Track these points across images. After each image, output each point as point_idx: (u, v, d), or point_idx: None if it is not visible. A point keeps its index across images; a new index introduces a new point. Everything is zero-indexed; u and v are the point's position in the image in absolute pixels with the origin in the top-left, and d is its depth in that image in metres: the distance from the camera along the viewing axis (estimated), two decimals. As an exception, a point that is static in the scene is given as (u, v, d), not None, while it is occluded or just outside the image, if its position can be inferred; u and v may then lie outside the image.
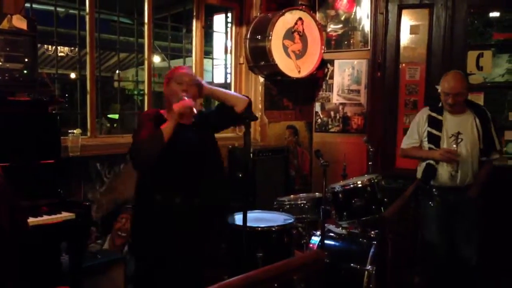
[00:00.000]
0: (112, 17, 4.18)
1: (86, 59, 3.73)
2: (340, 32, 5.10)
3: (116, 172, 3.70)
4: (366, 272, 3.21)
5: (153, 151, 2.46)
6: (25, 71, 2.79)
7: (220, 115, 2.87)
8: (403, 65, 4.80)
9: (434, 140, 3.57)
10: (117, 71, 5.35)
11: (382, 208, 3.51)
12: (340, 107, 5.16)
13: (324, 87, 5.22)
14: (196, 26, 4.48)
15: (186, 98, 2.58)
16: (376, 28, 4.83)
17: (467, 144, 3.50)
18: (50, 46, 6.66)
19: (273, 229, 3.08)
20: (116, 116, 8.31)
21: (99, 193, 3.60)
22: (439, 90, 3.61)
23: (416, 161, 3.79)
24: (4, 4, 3.02)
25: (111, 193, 3.66)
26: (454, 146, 3.50)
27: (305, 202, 3.66)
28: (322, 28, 4.90)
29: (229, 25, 4.90)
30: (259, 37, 4.49)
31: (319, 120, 5.29)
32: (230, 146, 4.49)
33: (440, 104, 3.65)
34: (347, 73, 5.10)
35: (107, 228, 3.63)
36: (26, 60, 2.80)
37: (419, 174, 3.72)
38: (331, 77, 5.17)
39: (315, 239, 3.50)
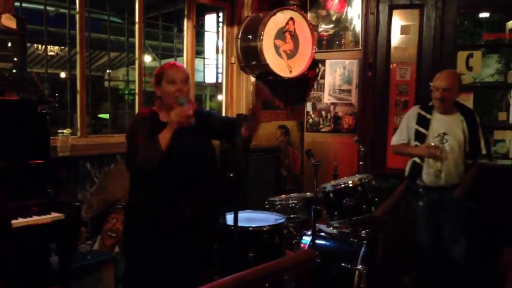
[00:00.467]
0: (102, 16, 4.16)
1: (76, 59, 3.70)
2: (331, 32, 5.11)
3: (106, 172, 3.68)
4: (357, 272, 3.23)
5: (152, 161, 2.39)
6: (14, 71, 2.77)
7: (226, 130, 2.79)
8: (394, 65, 4.82)
9: (421, 138, 3.61)
10: (108, 71, 5.34)
11: (372, 207, 3.53)
12: (331, 107, 5.17)
13: (315, 87, 5.24)
14: (187, 26, 4.47)
15: (182, 101, 2.48)
16: (367, 28, 4.85)
17: (452, 145, 3.53)
18: (40, 45, 6.62)
19: (264, 229, 3.09)
20: (107, 116, 8.30)
21: (89, 193, 3.58)
22: (431, 87, 3.65)
23: (406, 161, 3.82)
24: (-7, 3, 3.00)
25: (101, 193, 3.64)
26: (440, 146, 3.54)
27: (296, 202, 3.67)
28: (313, 28, 4.90)
29: (221, 24, 4.89)
30: (250, 37, 4.49)
31: (310, 120, 5.29)
32: (221, 146, 4.48)
33: (430, 103, 3.68)
34: (338, 73, 5.11)
35: (97, 229, 3.61)
36: (16, 59, 2.77)
37: (407, 170, 3.76)
38: (323, 77, 5.19)
39: (306, 239, 3.51)
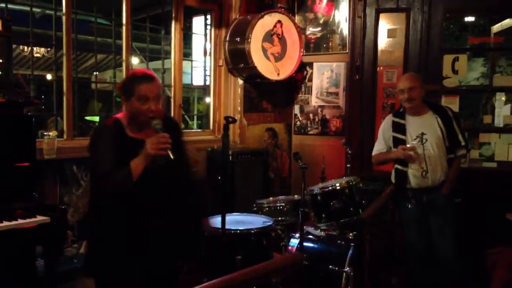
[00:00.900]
0: (89, 18, 4.13)
1: (62, 60, 3.68)
2: (318, 35, 5.13)
3: (93, 175, 3.65)
4: (344, 274, 3.23)
5: (122, 190, 2.23)
6: (-1, 72, 2.74)
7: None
8: (381, 68, 4.85)
9: (400, 143, 3.67)
10: (95, 73, 5.30)
11: (360, 210, 3.54)
12: (319, 110, 5.19)
13: (303, 89, 5.25)
14: (175, 28, 4.46)
15: (158, 127, 2.27)
16: (354, 31, 4.88)
17: (432, 143, 3.59)
18: (25, 47, 6.56)
19: (252, 231, 3.08)
20: (95, 118, 8.24)
21: (75, 196, 3.55)
22: (397, 93, 3.79)
23: (392, 164, 3.85)
24: (-23, 4, 2.97)
25: (87, 196, 3.60)
26: (420, 146, 3.60)
27: (284, 204, 3.67)
28: (301, 31, 4.92)
29: (208, 27, 4.89)
30: (238, 39, 4.49)
31: (298, 123, 5.31)
32: (209, 149, 4.48)
33: (401, 109, 3.77)
34: (325, 76, 5.13)
35: (83, 232, 3.58)
36: (1, 61, 2.75)
37: (393, 178, 3.81)
38: (310, 80, 5.20)
39: (294, 242, 3.51)
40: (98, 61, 7.31)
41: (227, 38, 4.63)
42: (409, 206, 3.70)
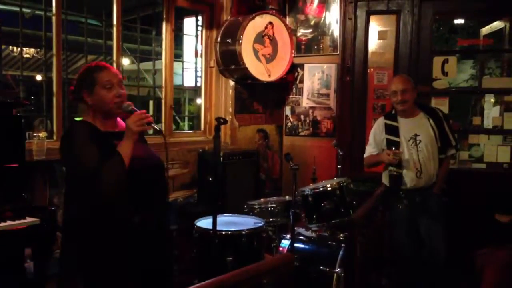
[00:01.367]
0: (79, 18, 4.10)
1: (52, 61, 3.65)
2: (309, 36, 5.15)
3: (83, 176, 3.62)
4: (335, 275, 3.24)
5: (118, 182, 2.10)
6: (-12, 73, 2.72)
7: None
8: (371, 69, 4.88)
9: (394, 145, 3.69)
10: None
11: (351, 211, 3.55)
12: (310, 111, 5.20)
13: (294, 91, 5.26)
14: (166, 29, 4.45)
15: (129, 108, 2.21)
16: (345, 33, 4.90)
17: (426, 144, 3.63)
18: (15, 47, 6.52)
19: (243, 232, 3.08)
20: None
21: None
22: (389, 95, 3.81)
23: (383, 165, 3.86)
24: (-34, 4, 2.94)
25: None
26: (414, 148, 3.62)
27: (275, 205, 3.67)
28: (292, 32, 4.93)
29: (200, 28, 4.89)
30: (229, 40, 4.49)
31: (289, 124, 5.32)
32: (200, 150, 4.47)
33: (393, 111, 3.79)
34: (316, 77, 5.15)
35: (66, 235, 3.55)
36: (-10, 61, 2.73)
37: (384, 180, 3.83)
38: (301, 81, 5.22)
39: (285, 243, 3.51)
40: (89, 62, 7.26)
41: (218, 39, 4.63)
42: (400, 207, 3.72)
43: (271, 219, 3.59)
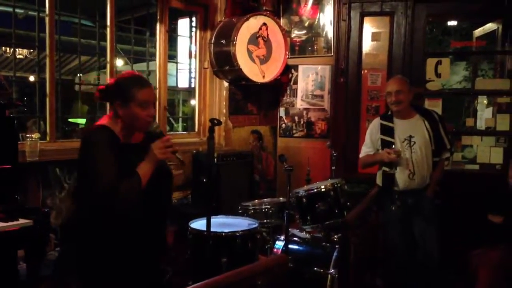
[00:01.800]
0: (73, 19, 4.09)
1: (45, 62, 3.63)
2: (304, 38, 5.16)
3: (77, 178, 3.61)
4: (329, 276, 3.24)
5: (132, 201, 2.14)
6: (-20, 73, 2.70)
7: None
8: (365, 71, 4.89)
9: (388, 146, 3.70)
10: (79, 74, 5.25)
11: (345, 212, 3.56)
12: (304, 112, 5.21)
13: (288, 92, 5.27)
14: (160, 30, 4.44)
15: (159, 131, 2.24)
16: (339, 34, 4.91)
17: (420, 146, 3.65)
18: (8, 48, 6.49)
19: (237, 234, 3.07)
20: (78, 120, 8.16)
21: (58, 199, 3.51)
22: (384, 96, 3.82)
23: (377, 166, 3.88)
24: (-42, 4, 2.92)
25: (71, 199, 3.57)
26: (408, 149, 3.64)
27: (269, 207, 3.67)
28: (286, 33, 4.94)
29: (194, 29, 4.88)
30: (223, 41, 4.49)
31: (283, 125, 5.32)
32: (194, 151, 4.46)
33: (389, 112, 3.81)
34: (311, 79, 5.15)
35: (66, 236, 3.54)
36: (-18, 62, 2.71)
37: (378, 180, 3.84)
38: (295, 83, 5.22)
39: (279, 244, 3.51)
40: (82, 62, 7.24)
41: (213, 41, 4.63)
42: (393, 208, 3.73)
43: (265, 221, 3.59)
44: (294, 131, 5.26)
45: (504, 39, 4.89)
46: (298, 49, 5.18)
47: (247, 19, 4.50)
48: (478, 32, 5.35)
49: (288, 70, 5.14)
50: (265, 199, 4.00)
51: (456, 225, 4.14)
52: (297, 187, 3.70)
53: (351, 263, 3.63)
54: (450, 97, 5.82)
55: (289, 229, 3.41)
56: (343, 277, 3.38)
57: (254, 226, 3.24)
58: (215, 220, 3.20)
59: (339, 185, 3.60)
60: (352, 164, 4.79)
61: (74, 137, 6.18)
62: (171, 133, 5.10)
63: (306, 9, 5.13)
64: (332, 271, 3.25)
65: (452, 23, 7.57)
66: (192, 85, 4.96)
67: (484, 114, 5.51)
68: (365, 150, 3.90)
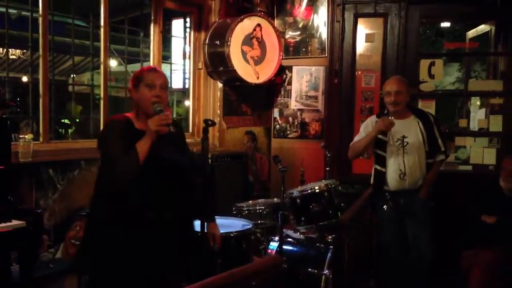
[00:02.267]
0: (66, 19, 4.07)
1: (39, 62, 3.62)
2: (298, 39, 5.16)
3: (70, 179, 3.60)
4: (323, 277, 3.25)
5: (129, 174, 2.28)
6: (-27, 74, 2.69)
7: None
8: (359, 72, 4.90)
9: (381, 144, 3.71)
10: (72, 75, 5.23)
11: (339, 213, 3.56)
12: (298, 113, 5.21)
13: (282, 93, 5.27)
14: (154, 31, 4.43)
15: (159, 108, 2.36)
16: (333, 35, 4.92)
17: (413, 147, 3.65)
18: (1, 48, 6.45)
19: (232, 235, 3.07)
20: (66, 121, 8.12)
21: (51, 200, 3.49)
22: (382, 95, 3.81)
23: (371, 165, 3.88)
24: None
25: (64, 200, 3.56)
26: (401, 149, 3.66)
27: (263, 207, 3.67)
28: (280, 34, 4.94)
29: (188, 30, 4.87)
30: (217, 42, 4.49)
31: (277, 126, 5.32)
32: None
33: (385, 111, 3.81)
34: (305, 80, 5.16)
35: (60, 237, 3.53)
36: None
37: (372, 181, 3.85)
38: (290, 83, 5.23)
39: (274, 245, 3.51)
40: (76, 63, 7.21)
41: (207, 41, 4.62)
42: (386, 208, 3.74)
43: (259, 221, 3.59)
44: (288, 132, 5.27)
45: (497, 41, 4.92)
46: (292, 50, 5.19)
47: (241, 20, 4.50)
48: (471, 33, 5.38)
49: (282, 71, 5.14)
50: (259, 200, 4.01)
51: (449, 225, 4.16)
52: (291, 188, 3.70)
53: (345, 263, 3.63)
54: (444, 98, 5.85)
55: (283, 230, 3.41)
56: (337, 277, 3.39)
57: (248, 227, 3.24)
58: (209, 221, 3.19)
59: (333, 186, 3.60)
60: (346, 165, 4.80)
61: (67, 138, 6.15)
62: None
63: (300, 10, 5.14)
64: (326, 271, 3.26)
65: (446, 24, 7.61)
66: (186, 86, 4.95)
67: (477, 115, 5.55)
68: (357, 139, 3.87)
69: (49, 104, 3.66)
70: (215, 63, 4.60)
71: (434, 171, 3.73)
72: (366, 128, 3.86)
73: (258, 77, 4.73)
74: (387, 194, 3.73)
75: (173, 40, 5.02)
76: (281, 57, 4.91)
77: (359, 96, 4.90)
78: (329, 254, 3.34)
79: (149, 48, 4.47)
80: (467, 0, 4.62)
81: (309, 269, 3.33)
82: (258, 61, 4.73)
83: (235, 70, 4.43)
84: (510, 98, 4.60)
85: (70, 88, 5.28)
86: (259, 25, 4.69)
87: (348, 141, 4.75)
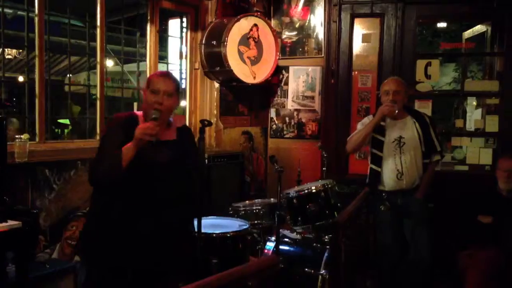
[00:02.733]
0: (62, 19, 4.06)
1: (35, 62, 3.60)
2: (294, 39, 5.17)
3: (66, 179, 3.59)
4: (320, 277, 3.25)
5: (109, 175, 2.31)
6: (-32, 74, 2.68)
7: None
8: (356, 72, 4.91)
9: (378, 144, 3.71)
10: (68, 75, 5.22)
11: (335, 213, 3.57)
12: (295, 113, 5.21)
13: (279, 93, 5.27)
14: (150, 30, 4.42)
15: (154, 115, 2.35)
16: (330, 36, 4.92)
17: (409, 147, 3.67)
18: (-4, 48, 6.41)
19: (228, 235, 3.08)
20: (68, 121, 8.11)
21: (47, 200, 3.48)
22: (379, 95, 3.82)
23: (368, 165, 3.88)
24: None
25: (60, 201, 3.55)
26: (398, 149, 3.67)
27: (260, 207, 3.67)
28: (277, 35, 4.94)
29: (184, 30, 4.87)
30: (214, 42, 4.49)
31: (274, 126, 5.32)
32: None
33: None
34: (301, 80, 5.16)
35: (56, 237, 3.52)
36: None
37: (368, 180, 3.86)
38: (286, 84, 5.23)
39: (270, 245, 3.51)
40: (72, 63, 7.20)
41: (203, 41, 4.62)
42: (383, 209, 3.75)
43: (256, 221, 3.59)
44: (285, 132, 5.27)
45: (493, 41, 4.93)
46: (289, 50, 5.19)
47: (238, 20, 4.50)
48: (467, 33, 5.39)
49: (279, 71, 5.15)
50: (256, 200, 4.01)
51: (446, 225, 4.16)
52: (287, 188, 3.70)
53: (341, 263, 3.63)
54: (440, 98, 5.85)
55: (280, 230, 3.41)
56: (334, 277, 3.39)
57: (244, 227, 3.24)
58: (206, 221, 3.19)
59: (329, 186, 3.61)
60: (342, 165, 4.81)
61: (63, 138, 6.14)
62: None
63: (297, 10, 5.14)
64: (323, 271, 3.26)
65: (442, 24, 7.63)
66: (183, 86, 4.94)
67: (473, 115, 5.55)
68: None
69: (45, 104, 3.65)
70: (212, 63, 4.59)
71: (431, 172, 3.75)
72: (363, 124, 3.85)
73: (254, 77, 4.73)
74: (383, 194, 3.74)
75: (170, 40, 5.02)
76: (277, 57, 4.91)
77: (355, 96, 4.91)
78: (325, 254, 3.34)
79: (145, 48, 4.46)
80: (463, 1, 4.63)
81: (306, 269, 3.34)
82: (255, 61, 4.72)
83: (231, 70, 4.43)
84: (506, 99, 4.61)
85: (66, 88, 5.26)
86: (255, 25, 4.69)
87: (345, 141, 4.75)
